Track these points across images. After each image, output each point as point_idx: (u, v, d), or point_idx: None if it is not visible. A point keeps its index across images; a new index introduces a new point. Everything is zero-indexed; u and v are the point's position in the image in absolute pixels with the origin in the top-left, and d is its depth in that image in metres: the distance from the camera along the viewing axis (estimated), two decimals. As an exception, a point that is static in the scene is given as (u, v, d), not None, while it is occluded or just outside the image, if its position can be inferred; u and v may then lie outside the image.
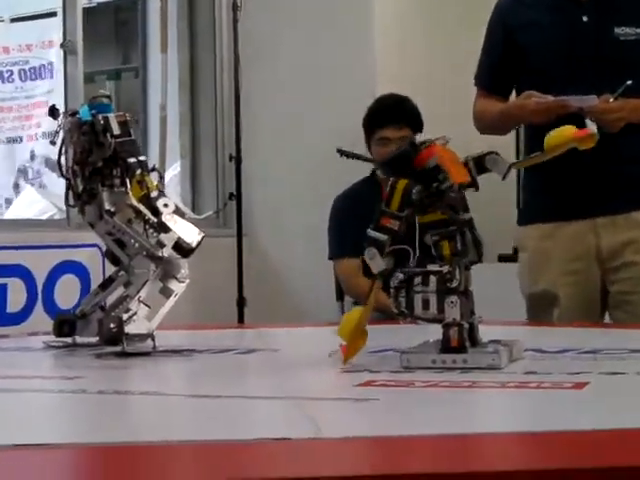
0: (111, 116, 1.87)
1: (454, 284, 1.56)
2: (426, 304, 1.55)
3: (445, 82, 4.67)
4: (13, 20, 5.63)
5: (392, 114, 4.08)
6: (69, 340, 1.90)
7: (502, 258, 4.31)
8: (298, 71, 4.82)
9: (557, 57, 2.75)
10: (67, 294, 3.61)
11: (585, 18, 2.74)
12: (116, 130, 1.85)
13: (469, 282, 1.60)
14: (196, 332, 2.39)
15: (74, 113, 1.89)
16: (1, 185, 5.46)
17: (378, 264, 1.58)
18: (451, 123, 4.69)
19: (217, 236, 4.53)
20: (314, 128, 4.74)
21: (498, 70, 2.89)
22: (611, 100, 2.62)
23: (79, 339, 1.89)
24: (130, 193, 1.84)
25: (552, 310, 2.75)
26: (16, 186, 5.41)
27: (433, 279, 1.55)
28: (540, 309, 2.80)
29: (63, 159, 1.90)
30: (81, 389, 1.44)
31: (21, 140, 5.35)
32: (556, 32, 2.76)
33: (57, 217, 4.88)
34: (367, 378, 1.43)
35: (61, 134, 1.89)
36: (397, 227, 1.59)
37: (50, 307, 3.59)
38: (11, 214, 5.24)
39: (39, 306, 3.56)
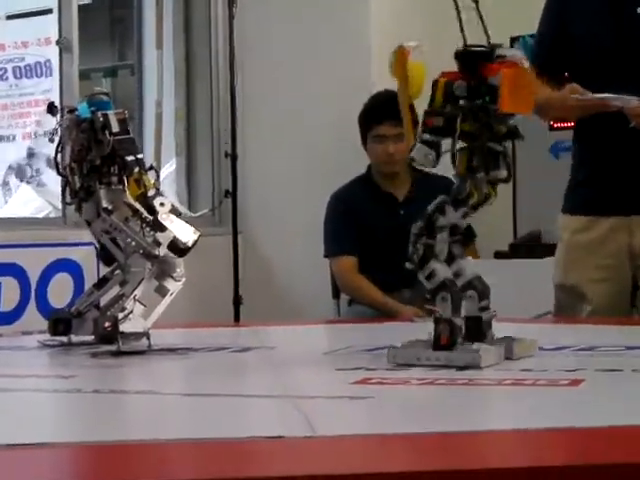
0: (110, 113, 1.86)
1: (461, 196, 1.56)
2: (430, 275, 1.55)
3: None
4: (9, 17, 5.61)
5: (388, 111, 4.06)
6: (64, 339, 1.89)
7: (498, 254, 4.31)
8: (294, 67, 4.82)
9: (606, 49, 2.72)
10: (61, 293, 3.60)
11: (639, 10, 2.71)
12: (115, 128, 1.84)
13: (484, 198, 1.58)
14: (192, 330, 2.39)
15: (72, 110, 1.88)
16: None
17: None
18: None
19: (213, 234, 4.53)
20: (310, 125, 4.73)
21: (552, 52, 2.84)
22: None
23: (74, 338, 1.88)
24: (127, 191, 1.83)
25: (581, 306, 2.74)
26: (5, 184, 5.39)
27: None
28: (568, 302, 2.79)
29: (60, 156, 1.89)
30: (76, 388, 1.43)
31: (14, 138, 5.33)
32: (607, 24, 2.73)
33: (53, 215, 4.88)
34: (363, 376, 1.42)
35: (59, 131, 1.89)
36: (442, 123, 1.58)
37: (43, 306, 3.58)
38: (7, 212, 5.23)
39: (32, 305, 3.55)
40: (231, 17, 4.71)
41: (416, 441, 1.05)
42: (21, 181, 5.28)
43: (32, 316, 3.48)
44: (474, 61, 1.58)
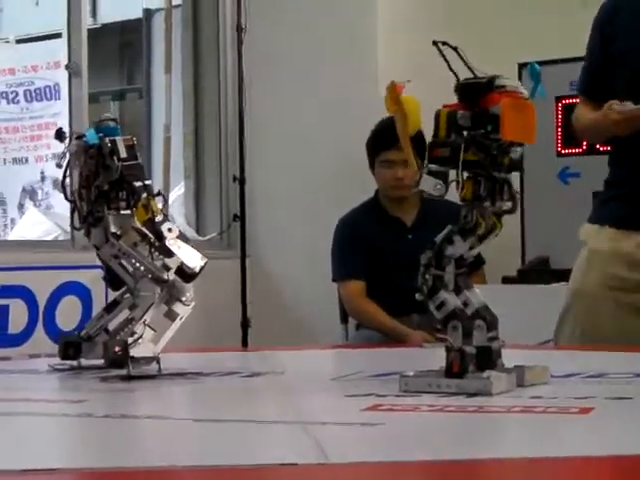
0: (119, 139, 1.87)
1: (468, 225, 1.57)
2: (441, 305, 1.55)
3: (450, 102, 4.67)
4: (19, 41, 5.65)
5: (394, 136, 4.08)
6: (74, 363, 1.89)
7: (506, 280, 4.31)
8: (302, 93, 4.84)
9: None
10: (69, 315, 3.61)
11: None
12: (123, 153, 1.86)
13: (489, 229, 1.58)
14: (201, 355, 2.39)
15: (80, 136, 1.89)
16: (8, 206, 5.48)
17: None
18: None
19: (221, 258, 4.54)
20: (318, 149, 4.75)
21: (596, 78, 2.84)
22: None
23: (84, 362, 1.89)
24: (135, 217, 1.85)
25: (594, 310, 2.72)
26: (21, 206, 5.43)
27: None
28: (581, 308, 2.76)
29: (68, 181, 1.91)
30: (86, 413, 1.43)
31: (27, 161, 5.37)
32: None
33: (61, 238, 4.89)
34: (373, 402, 1.43)
35: (67, 157, 1.90)
36: (448, 153, 1.59)
37: (51, 328, 3.59)
38: (15, 234, 5.25)
39: (40, 327, 3.56)
40: (239, 42, 4.74)
41: (428, 468, 1.05)
42: (34, 204, 5.32)
43: (40, 338, 3.48)
44: (474, 93, 1.58)
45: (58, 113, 5.17)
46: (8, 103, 5.37)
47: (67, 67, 4.66)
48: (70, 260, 3.84)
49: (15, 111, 5.36)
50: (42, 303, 3.69)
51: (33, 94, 5.32)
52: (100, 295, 3.59)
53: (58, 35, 5.20)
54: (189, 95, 5.25)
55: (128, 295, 1.90)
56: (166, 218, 1.88)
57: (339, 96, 4.75)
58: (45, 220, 5.13)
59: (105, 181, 1.86)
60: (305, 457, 1.09)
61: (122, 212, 1.86)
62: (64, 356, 1.89)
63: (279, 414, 1.42)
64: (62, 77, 4.98)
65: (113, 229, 1.86)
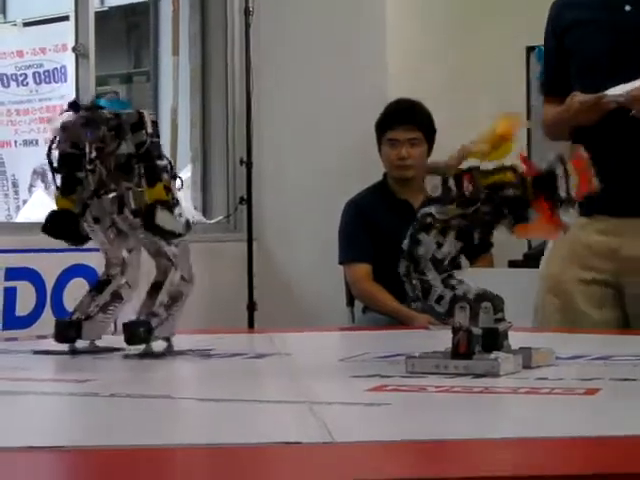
0: (146, 112, 1.83)
1: (426, 221, 1.57)
2: (440, 299, 1.55)
3: (459, 88, 4.67)
4: (26, 24, 5.65)
5: (401, 115, 4.09)
6: (65, 347, 1.86)
7: (512, 264, 4.31)
8: (309, 75, 4.83)
9: (602, 52, 2.73)
10: (76, 298, 3.61)
11: (628, 7, 2.72)
12: (150, 128, 1.82)
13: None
14: (206, 336, 2.39)
15: (91, 107, 1.83)
16: (20, 188, 5.50)
17: None
18: (464, 129, 4.69)
19: (228, 240, 4.55)
20: (325, 132, 4.74)
21: (554, 74, 2.87)
22: None
23: (81, 343, 1.86)
24: (149, 195, 1.82)
25: (560, 302, 2.73)
26: (31, 188, 5.44)
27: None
28: (546, 296, 2.78)
29: (56, 153, 1.85)
30: (92, 392, 1.44)
31: (37, 143, 5.38)
32: (598, 27, 2.75)
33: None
34: (379, 383, 1.43)
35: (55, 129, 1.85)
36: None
37: (59, 310, 3.59)
38: (22, 217, 5.26)
39: (48, 309, 3.56)
40: (247, 25, 4.73)
41: (433, 448, 1.06)
42: (45, 186, 5.33)
43: (48, 320, 3.48)
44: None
45: (66, 95, 5.17)
46: (18, 85, 5.37)
47: (74, 49, 4.65)
48: (77, 242, 3.84)
49: (24, 93, 5.36)
50: (50, 285, 3.70)
51: (42, 76, 5.32)
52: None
53: (66, 18, 5.20)
54: (196, 78, 5.24)
55: (116, 273, 1.88)
56: (178, 202, 1.87)
57: (347, 79, 4.74)
58: (52, 202, 5.14)
59: (125, 154, 1.80)
60: (310, 436, 1.09)
61: (138, 189, 1.81)
62: (65, 338, 1.86)
63: (284, 394, 1.43)
64: (69, 60, 4.98)
65: (133, 205, 1.81)
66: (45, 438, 1.12)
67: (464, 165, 1.57)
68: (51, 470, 0.99)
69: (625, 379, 1.47)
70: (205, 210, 5.13)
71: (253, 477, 0.95)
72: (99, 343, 1.87)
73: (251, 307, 4.52)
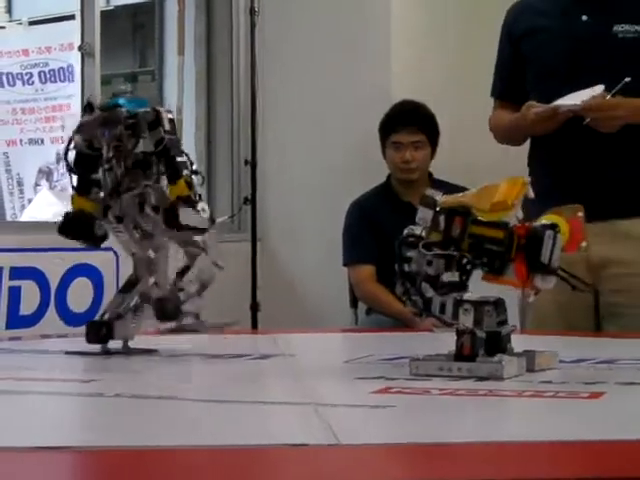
0: (162, 110, 1.82)
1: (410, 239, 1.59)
2: (442, 307, 1.56)
3: (462, 91, 4.67)
4: (32, 23, 5.65)
5: (405, 118, 4.09)
6: (96, 347, 1.83)
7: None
8: (315, 76, 4.83)
9: (558, 60, 2.75)
10: (80, 297, 3.62)
11: (584, 17, 2.74)
12: (167, 125, 1.81)
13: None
14: (210, 336, 2.39)
15: (106, 107, 1.83)
16: (25, 187, 5.50)
17: None
18: (466, 132, 4.69)
19: (232, 240, 4.54)
20: (330, 132, 4.74)
21: (509, 79, 2.90)
22: (608, 97, 2.60)
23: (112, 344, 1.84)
24: (172, 191, 1.80)
25: (538, 317, 2.73)
26: (36, 187, 5.45)
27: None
28: (524, 314, 2.78)
29: (71, 153, 1.84)
30: (97, 392, 1.44)
31: (42, 142, 5.38)
32: (555, 35, 2.77)
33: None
34: (383, 385, 1.43)
35: (68, 129, 1.86)
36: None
37: (63, 310, 3.60)
38: (26, 216, 5.26)
39: (52, 309, 3.57)
40: (253, 25, 4.73)
41: (437, 451, 1.06)
42: (50, 185, 5.33)
43: (52, 320, 3.50)
44: None
45: (72, 95, 5.17)
46: (23, 84, 5.37)
47: (80, 48, 4.66)
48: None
49: (30, 92, 5.36)
50: (54, 285, 3.70)
51: (47, 75, 5.32)
52: (111, 277, 3.60)
53: (71, 17, 5.20)
54: (201, 78, 5.24)
55: (144, 273, 1.85)
56: (200, 197, 1.85)
57: (352, 79, 4.74)
58: (56, 201, 5.14)
59: (142, 152, 1.79)
60: (315, 438, 1.09)
61: (157, 186, 1.80)
62: (97, 338, 1.82)
63: (289, 396, 1.43)
64: (75, 59, 4.98)
65: (154, 201, 1.80)
66: (49, 438, 1.12)
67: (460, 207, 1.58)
68: (54, 470, 0.99)
69: (630, 383, 1.47)
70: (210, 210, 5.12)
71: (258, 479, 0.95)
72: (130, 344, 1.85)
73: (254, 307, 4.52)
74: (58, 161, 5.33)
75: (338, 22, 4.81)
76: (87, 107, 1.83)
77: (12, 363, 1.86)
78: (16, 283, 3.53)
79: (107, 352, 1.82)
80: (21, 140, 5.41)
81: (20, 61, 5.37)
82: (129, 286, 1.88)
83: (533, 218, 1.63)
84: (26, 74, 5.36)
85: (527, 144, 2.98)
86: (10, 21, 5.92)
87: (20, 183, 5.48)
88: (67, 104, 5.20)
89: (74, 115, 5.09)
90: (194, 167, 1.85)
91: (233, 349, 1.90)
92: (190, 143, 5.21)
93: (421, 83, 4.59)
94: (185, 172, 1.80)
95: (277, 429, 1.18)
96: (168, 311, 1.77)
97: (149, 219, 1.81)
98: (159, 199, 1.80)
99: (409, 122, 4.09)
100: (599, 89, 2.63)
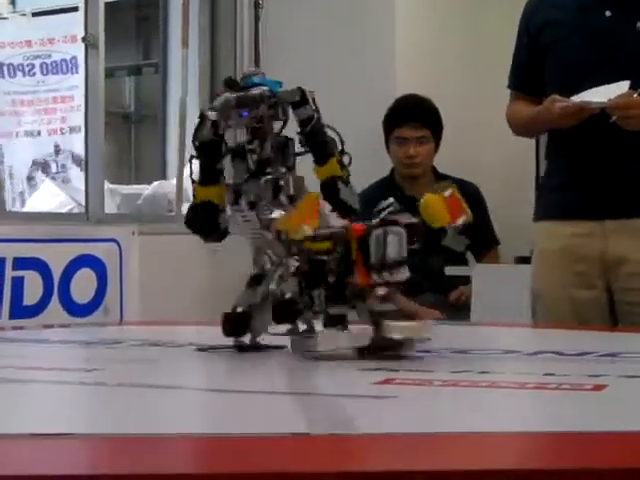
0: (307, 89, 1.74)
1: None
2: None
3: (466, 85, 4.66)
4: (35, 14, 5.65)
5: (409, 113, 4.09)
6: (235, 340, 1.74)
7: (519, 260, 4.30)
8: (318, 70, 4.83)
9: (580, 54, 2.74)
10: (83, 288, 3.62)
11: (608, 13, 2.72)
12: (313, 104, 1.73)
13: None
14: (213, 328, 2.39)
15: (245, 87, 1.71)
16: (21, 178, 5.49)
17: None
18: (472, 126, 4.69)
19: (235, 233, 4.54)
20: (334, 126, 4.74)
21: (526, 72, 2.89)
22: (635, 96, 2.59)
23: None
24: (320, 172, 1.71)
25: (554, 313, 2.73)
26: (30, 179, 5.43)
27: None
28: (541, 310, 2.78)
29: (198, 136, 1.70)
30: (100, 381, 1.44)
31: (39, 134, 5.37)
32: (577, 29, 2.76)
33: (76, 211, 4.90)
34: (385, 376, 1.43)
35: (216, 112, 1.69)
36: None
37: (66, 301, 3.60)
38: (30, 207, 5.27)
39: (55, 299, 3.57)
40: (257, 18, 4.73)
41: (439, 440, 1.05)
42: (47, 177, 5.32)
43: (55, 310, 3.50)
44: None
45: (74, 87, 5.17)
46: (24, 75, 5.37)
47: (84, 39, 4.65)
48: (84, 233, 3.85)
49: (30, 84, 5.36)
50: (57, 275, 3.71)
51: (49, 67, 5.32)
52: (115, 268, 3.60)
53: (75, 9, 5.20)
54: (205, 71, 5.24)
55: (270, 267, 1.73)
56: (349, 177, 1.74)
57: (356, 74, 4.73)
58: (60, 192, 5.14)
59: (284, 135, 1.71)
60: (316, 428, 1.09)
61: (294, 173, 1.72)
62: (236, 331, 1.73)
63: (290, 386, 1.43)
64: (79, 51, 4.98)
65: (292, 191, 1.70)
66: (49, 425, 1.12)
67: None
68: (55, 456, 0.99)
69: (633, 376, 1.47)
70: (212, 203, 5.12)
71: (259, 467, 0.95)
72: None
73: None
74: (57, 153, 5.32)
75: (342, 16, 4.81)
76: (227, 85, 1.71)
77: (15, 352, 1.86)
78: (19, 273, 3.53)
79: (240, 347, 1.72)
80: (17, 132, 5.40)
81: (22, 52, 5.37)
82: (257, 279, 1.76)
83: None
84: (27, 65, 5.36)
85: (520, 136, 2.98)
86: (13, 12, 5.92)
87: (12, 176, 5.46)
88: (69, 96, 5.20)
89: (76, 107, 5.09)
90: (344, 147, 1.76)
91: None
92: (194, 135, 5.20)
93: (425, 77, 4.59)
94: (336, 151, 1.73)
95: (278, 418, 1.17)
96: (286, 312, 1.66)
97: (281, 207, 1.69)
98: (296, 187, 1.71)
99: (413, 117, 4.09)
100: (625, 85, 2.62)
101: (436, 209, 1.62)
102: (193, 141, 1.73)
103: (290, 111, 1.74)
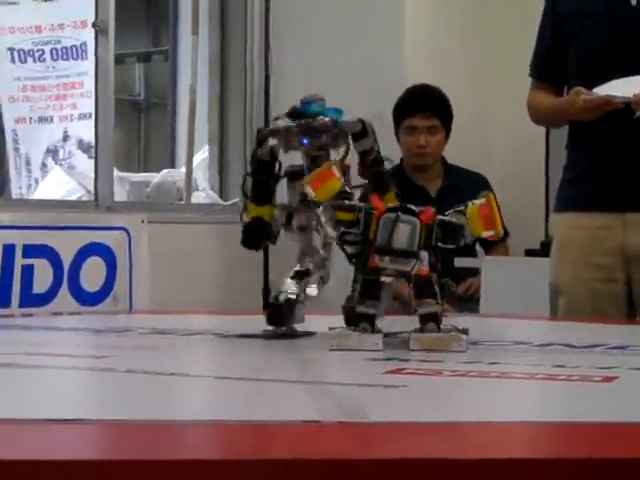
0: (367, 121, 1.79)
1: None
2: None
3: (476, 76, 4.65)
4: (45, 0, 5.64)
5: (420, 103, 4.08)
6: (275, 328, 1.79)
7: (529, 252, 4.30)
8: (328, 58, 4.82)
9: (603, 45, 2.72)
10: (93, 276, 3.62)
11: (634, 2, 2.70)
12: (373, 136, 1.78)
13: None
14: (223, 317, 2.40)
15: (309, 114, 1.78)
16: (33, 165, 5.49)
17: None
18: (481, 116, 4.68)
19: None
20: (345, 115, 4.73)
21: (549, 61, 2.86)
22: None
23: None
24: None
25: (573, 305, 2.72)
26: (44, 166, 5.43)
27: None
28: (561, 302, 2.77)
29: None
30: (109, 368, 1.44)
31: (52, 120, 5.37)
32: (602, 19, 2.73)
33: (85, 198, 4.91)
34: (396, 366, 1.43)
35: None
36: None
37: (75, 289, 3.60)
38: (39, 194, 5.27)
39: (65, 287, 3.56)
40: (267, 5, 4.72)
41: (448, 429, 1.06)
42: (55, 163, 5.32)
43: (65, 298, 3.49)
44: None
45: (85, 73, 5.16)
46: (34, 61, 5.36)
47: (94, 25, 4.65)
48: (94, 220, 3.85)
49: (40, 69, 5.35)
50: (67, 263, 3.70)
51: (59, 52, 5.31)
52: (124, 256, 3.60)
53: (84, -5, 5.19)
54: (215, 58, 5.24)
55: (313, 267, 1.83)
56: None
57: (366, 62, 4.73)
58: (69, 180, 5.14)
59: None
60: (327, 415, 1.09)
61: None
62: (281, 320, 1.78)
63: (300, 374, 1.43)
64: (89, 37, 4.98)
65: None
66: (60, 411, 1.13)
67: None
68: (65, 442, 1.00)
69: (643, 368, 1.47)
70: (222, 191, 5.13)
71: (270, 454, 0.95)
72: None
73: (266, 290, 4.52)
74: (65, 139, 5.32)
75: (352, 4, 4.80)
76: (292, 114, 1.78)
77: (25, 339, 1.87)
78: (29, 261, 3.53)
79: (279, 335, 1.76)
80: (30, 118, 5.40)
81: (32, 38, 5.36)
82: (300, 275, 1.82)
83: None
84: (37, 50, 5.35)
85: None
86: (24, -3, 5.91)
87: (28, 162, 5.47)
88: (79, 82, 5.19)
89: (86, 94, 5.09)
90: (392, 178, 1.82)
91: (245, 329, 1.90)
92: (204, 123, 5.21)
93: (435, 67, 4.58)
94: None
95: (288, 406, 1.18)
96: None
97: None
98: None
99: (424, 106, 4.08)
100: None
101: (473, 219, 1.61)
102: (251, 160, 1.81)
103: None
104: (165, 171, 5.40)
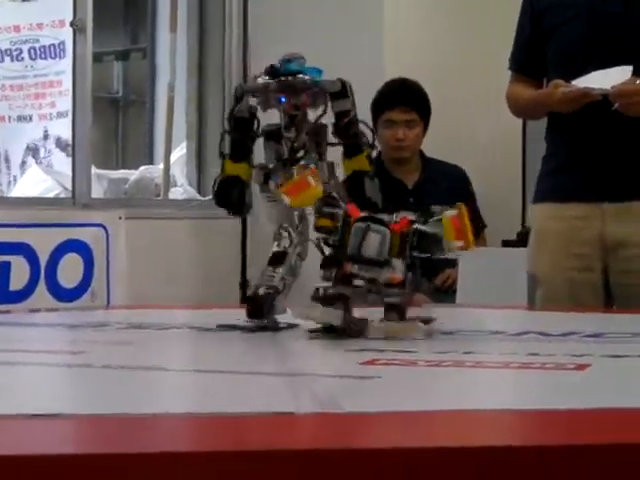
0: (348, 81, 1.77)
1: None
2: None
3: (455, 68, 4.67)
4: (24, -1, 5.63)
5: (398, 96, 4.09)
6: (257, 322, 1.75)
7: (506, 243, 4.32)
8: (307, 54, 4.81)
9: (583, 38, 2.73)
10: (70, 273, 3.61)
11: None
12: (352, 98, 1.74)
13: None
14: (200, 311, 2.40)
15: (288, 73, 1.75)
16: (12, 163, 5.48)
17: None
18: (459, 109, 4.69)
19: (221, 217, 4.54)
20: (321, 111, 4.74)
21: (528, 54, 2.87)
22: (638, 82, 2.59)
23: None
24: (346, 165, 1.72)
25: (551, 295, 2.73)
26: (23, 164, 5.42)
27: None
28: (539, 292, 2.79)
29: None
30: (86, 363, 1.44)
31: (31, 119, 5.36)
32: (582, 12, 2.74)
33: (62, 196, 4.90)
34: (371, 357, 1.43)
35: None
36: None
37: (53, 286, 3.59)
38: (17, 192, 5.26)
39: (42, 284, 3.56)
40: (245, 3, 4.72)
41: (422, 418, 1.06)
42: (36, 162, 5.31)
43: (42, 295, 3.49)
44: None
45: (62, 72, 5.15)
46: (12, 60, 5.35)
47: (72, 24, 4.64)
48: (71, 218, 3.84)
49: (19, 69, 5.34)
50: (44, 260, 3.68)
51: (38, 52, 5.30)
52: (102, 253, 3.59)
53: (63, -6, 5.17)
54: (193, 55, 5.23)
55: (289, 245, 1.79)
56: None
57: (346, 57, 4.73)
58: (47, 178, 5.13)
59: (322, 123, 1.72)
60: (303, 407, 1.10)
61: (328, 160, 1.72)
62: (261, 313, 1.73)
63: (276, 367, 1.43)
64: (67, 36, 4.97)
65: (325, 178, 1.70)
66: (37, 406, 1.13)
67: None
68: (42, 437, 1.00)
69: (615, 355, 1.48)
70: (199, 186, 5.12)
71: (244, 445, 0.96)
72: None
73: (244, 285, 4.52)
74: (45, 137, 5.31)
75: (330, 0, 4.81)
76: (271, 72, 1.76)
77: (1, 335, 1.86)
78: (5, 258, 3.52)
79: (262, 328, 1.73)
80: (9, 117, 5.39)
81: (10, 37, 5.35)
82: (278, 258, 1.79)
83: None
84: (15, 50, 5.33)
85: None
86: (3, -3, 5.89)
87: (7, 160, 5.46)
88: (57, 80, 5.18)
89: (66, 91, 5.08)
90: (375, 142, 1.78)
91: (222, 322, 1.90)
92: (182, 120, 5.20)
93: (414, 61, 4.59)
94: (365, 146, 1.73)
95: (263, 398, 1.18)
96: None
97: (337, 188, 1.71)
98: (327, 174, 1.71)
99: (402, 100, 4.09)
100: (628, 70, 2.61)
101: (445, 228, 1.61)
102: (229, 117, 1.75)
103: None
104: (143, 168, 5.40)
